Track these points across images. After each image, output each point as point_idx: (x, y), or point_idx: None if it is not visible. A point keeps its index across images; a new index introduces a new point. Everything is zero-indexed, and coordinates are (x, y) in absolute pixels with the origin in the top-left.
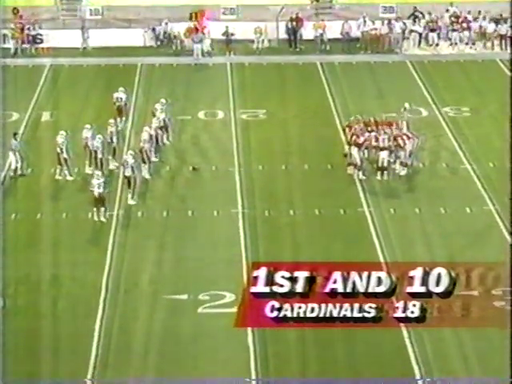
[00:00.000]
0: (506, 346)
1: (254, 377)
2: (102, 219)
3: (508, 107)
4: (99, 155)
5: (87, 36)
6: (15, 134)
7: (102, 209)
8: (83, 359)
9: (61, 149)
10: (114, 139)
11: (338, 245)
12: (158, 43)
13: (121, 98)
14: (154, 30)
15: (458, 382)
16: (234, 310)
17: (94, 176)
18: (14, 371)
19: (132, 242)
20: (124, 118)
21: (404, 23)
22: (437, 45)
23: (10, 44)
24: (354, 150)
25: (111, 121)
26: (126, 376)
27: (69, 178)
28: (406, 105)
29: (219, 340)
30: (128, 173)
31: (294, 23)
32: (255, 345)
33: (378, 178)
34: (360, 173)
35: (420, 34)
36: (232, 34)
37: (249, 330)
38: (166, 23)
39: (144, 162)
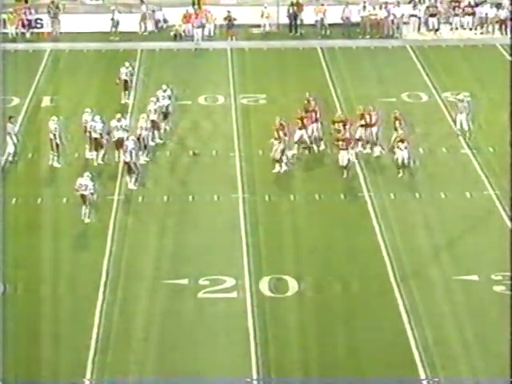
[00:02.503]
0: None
1: (254, 362)
2: (86, 220)
3: (508, 92)
4: (94, 135)
5: (58, 22)
6: (11, 118)
7: (87, 210)
8: (84, 343)
9: (54, 135)
10: (116, 134)
11: (338, 230)
12: (156, 30)
13: (126, 73)
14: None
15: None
16: (234, 294)
17: (82, 176)
18: (13, 356)
19: (132, 227)
20: (128, 92)
21: (404, 8)
22: (437, 30)
23: (11, 29)
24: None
25: (118, 115)
26: (126, 361)
27: (56, 164)
28: (461, 96)
29: (219, 324)
30: (128, 158)
31: (295, 8)
32: (255, 329)
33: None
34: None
35: (420, 19)
36: (234, 19)
37: (249, 314)
38: (153, 11)
39: (140, 149)
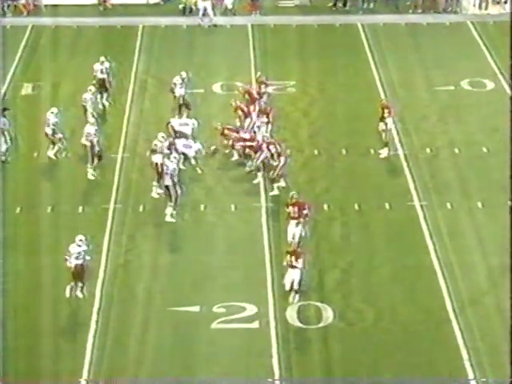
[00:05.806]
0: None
1: None
2: (79, 295)
3: None
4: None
5: None
6: (4, 110)
7: (80, 284)
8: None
9: (53, 130)
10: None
11: (381, 245)
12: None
13: (102, 70)
14: None
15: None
16: (256, 325)
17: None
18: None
19: (132, 243)
20: (108, 94)
21: None
22: (505, 2)
23: None
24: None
25: (160, 135)
26: None
27: (58, 155)
28: None
29: (237, 361)
30: (168, 181)
31: None
32: (281, 367)
33: None
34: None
35: None
36: None
37: (273, 348)
38: None
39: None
